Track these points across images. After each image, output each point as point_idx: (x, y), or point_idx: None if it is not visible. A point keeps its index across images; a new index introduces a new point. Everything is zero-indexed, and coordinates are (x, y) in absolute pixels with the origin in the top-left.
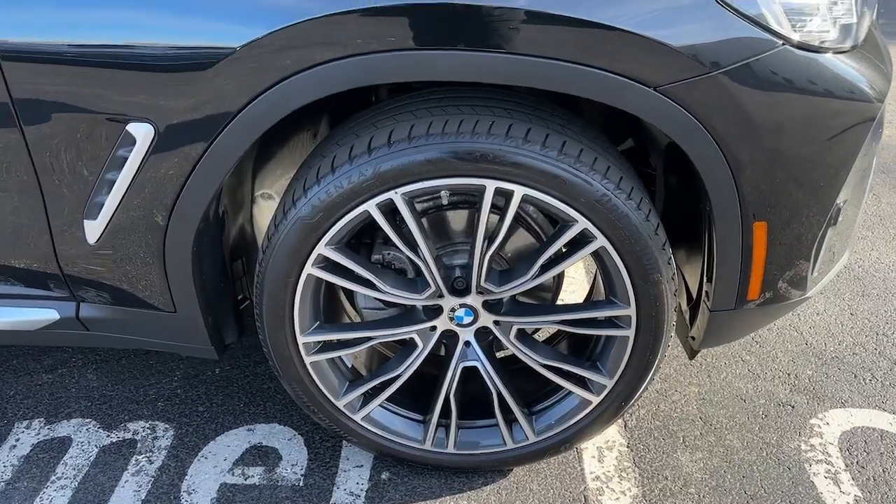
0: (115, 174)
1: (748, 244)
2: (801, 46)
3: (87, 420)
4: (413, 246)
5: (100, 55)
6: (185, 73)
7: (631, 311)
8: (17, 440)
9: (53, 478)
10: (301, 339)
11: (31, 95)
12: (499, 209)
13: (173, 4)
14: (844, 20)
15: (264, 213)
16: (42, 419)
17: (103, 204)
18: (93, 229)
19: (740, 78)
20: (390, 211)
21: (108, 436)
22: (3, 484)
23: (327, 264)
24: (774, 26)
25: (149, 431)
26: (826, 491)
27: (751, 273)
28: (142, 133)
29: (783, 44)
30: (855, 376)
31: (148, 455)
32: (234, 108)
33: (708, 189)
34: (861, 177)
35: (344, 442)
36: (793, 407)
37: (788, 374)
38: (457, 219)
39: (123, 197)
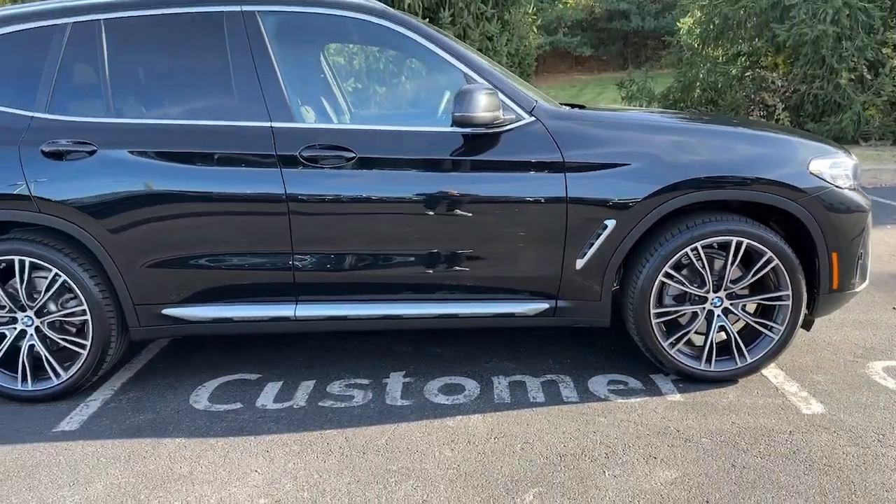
0: (593, 239)
1: (831, 262)
2: (837, 187)
3: (521, 376)
4: (703, 268)
5: (599, 200)
6: (630, 209)
7: (789, 292)
8: (499, 383)
9: (530, 394)
10: (652, 311)
11: (578, 219)
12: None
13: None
14: (851, 180)
15: None
16: (512, 374)
17: (587, 252)
18: (580, 262)
19: (819, 197)
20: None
21: (539, 380)
22: (509, 394)
23: (667, 275)
24: (828, 181)
25: (567, 379)
26: (882, 382)
27: (833, 275)
28: (611, 224)
29: (832, 186)
30: (884, 352)
31: (564, 383)
32: (642, 216)
33: (814, 239)
34: (866, 243)
35: (651, 375)
36: (857, 361)
37: (853, 353)
38: (711, 259)
39: (595, 250)
